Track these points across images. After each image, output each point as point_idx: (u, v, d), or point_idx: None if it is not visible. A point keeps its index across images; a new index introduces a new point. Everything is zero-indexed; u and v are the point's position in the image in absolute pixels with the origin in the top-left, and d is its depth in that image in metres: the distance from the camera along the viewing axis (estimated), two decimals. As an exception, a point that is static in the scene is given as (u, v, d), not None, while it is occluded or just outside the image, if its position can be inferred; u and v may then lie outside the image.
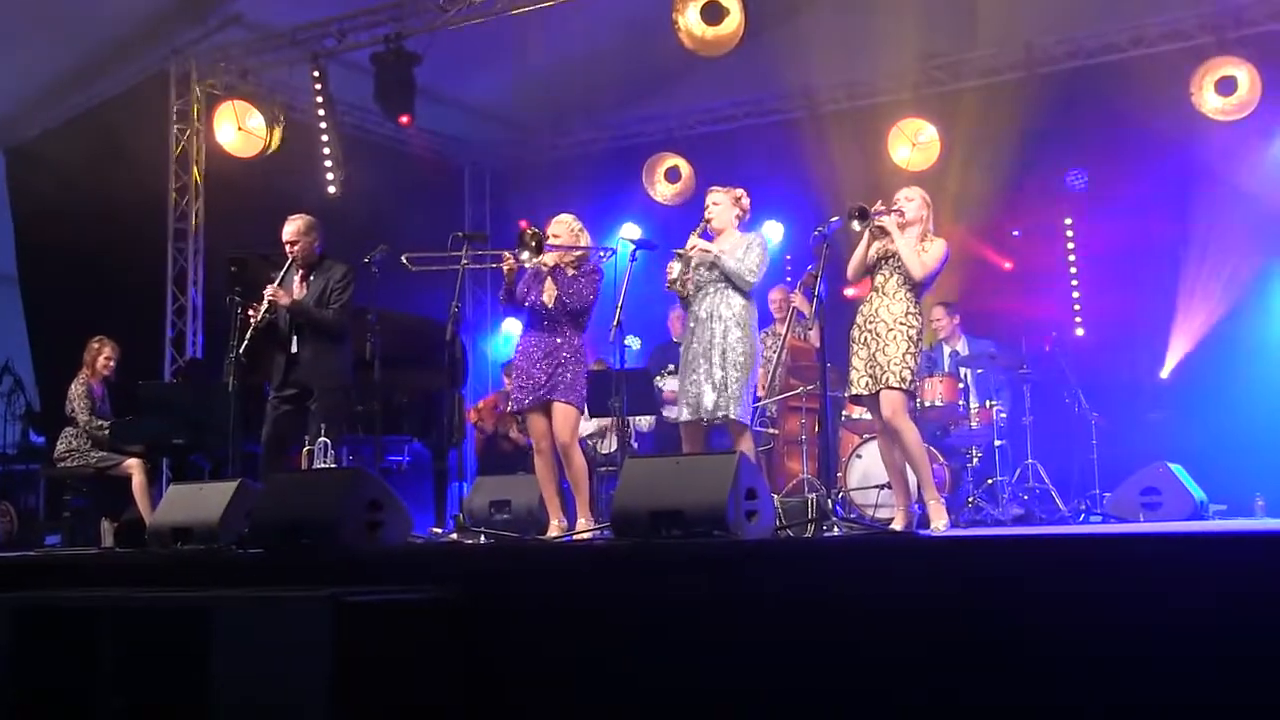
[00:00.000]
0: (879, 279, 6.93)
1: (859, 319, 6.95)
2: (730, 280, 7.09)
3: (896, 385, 6.73)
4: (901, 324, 6.81)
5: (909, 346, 6.78)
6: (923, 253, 6.86)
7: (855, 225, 6.86)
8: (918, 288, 6.90)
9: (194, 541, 6.39)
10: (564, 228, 7.45)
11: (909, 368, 6.77)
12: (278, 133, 11.24)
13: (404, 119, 11.10)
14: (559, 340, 7.28)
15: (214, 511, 6.40)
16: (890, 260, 6.90)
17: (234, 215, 11.07)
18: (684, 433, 7.21)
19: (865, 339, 6.88)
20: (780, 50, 10.92)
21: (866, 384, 6.84)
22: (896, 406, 6.78)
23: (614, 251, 7.46)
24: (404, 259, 7.58)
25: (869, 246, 6.96)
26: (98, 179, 10.70)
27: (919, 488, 6.95)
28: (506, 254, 7.38)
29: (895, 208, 6.95)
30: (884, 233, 6.90)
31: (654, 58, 10.55)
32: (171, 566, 6.07)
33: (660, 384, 10.29)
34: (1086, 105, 10.83)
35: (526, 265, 7.23)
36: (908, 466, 7.00)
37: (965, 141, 11.05)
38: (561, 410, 7.23)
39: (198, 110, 11.55)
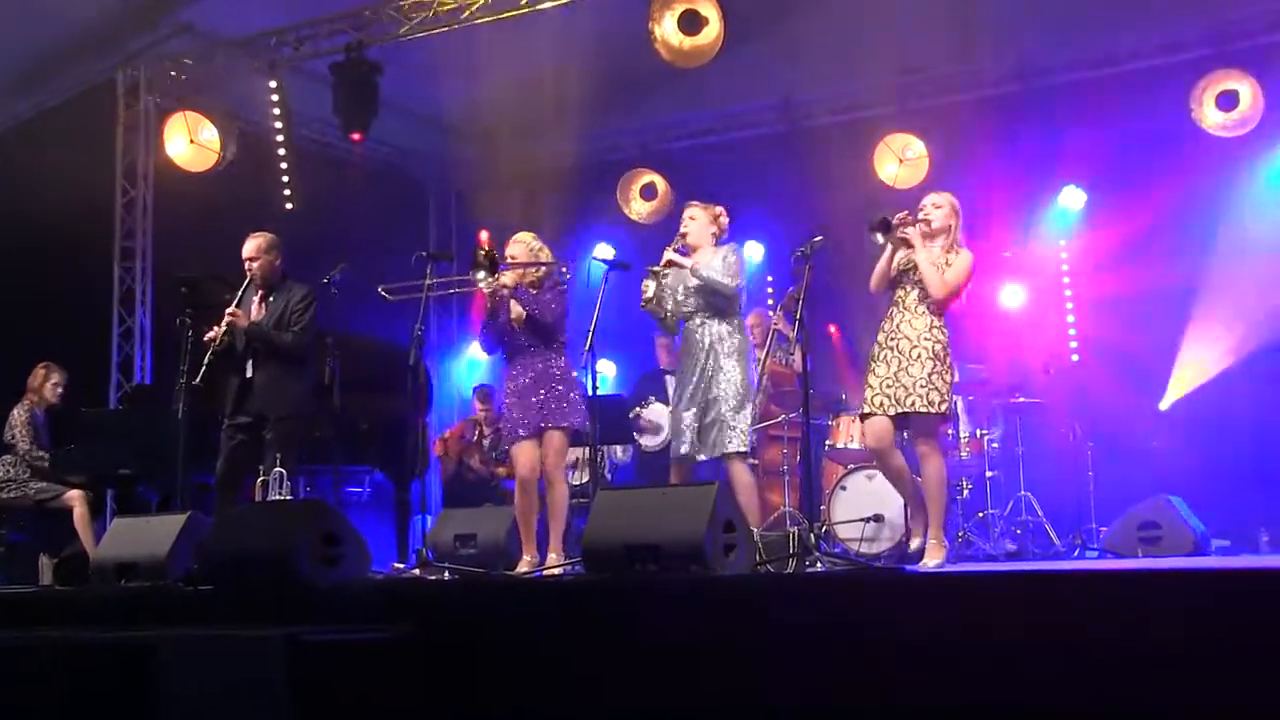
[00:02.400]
0: (899, 293, 6.87)
1: (880, 335, 6.89)
2: (715, 302, 7.17)
3: (925, 410, 6.66)
4: (926, 340, 6.73)
5: (935, 365, 6.70)
6: (945, 268, 6.78)
7: (879, 238, 6.79)
8: (942, 303, 6.83)
9: (140, 578, 6.36)
10: (521, 248, 7.51)
11: (938, 389, 6.68)
12: (233, 146, 11.23)
13: (356, 135, 11.09)
14: (544, 364, 7.34)
15: (161, 546, 6.38)
16: (912, 273, 6.84)
17: (185, 233, 11.03)
18: (674, 470, 7.32)
19: (885, 356, 6.80)
20: (761, 62, 10.95)
21: (881, 403, 6.75)
22: (925, 431, 6.74)
23: (574, 268, 7.50)
24: (381, 290, 7.60)
25: (892, 257, 6.86)
26: (39, 194, 10.61)
27: (912, 521, 6.95)
28: (479, 277, 7.34)
29: (922, 216, 6.87)
30: (908, 244, 6.84)
31: (629, 69, 10.57)
32: (115, 604, 6.03)
33: (642, 413, 10.31)
34: (1082, 120, 10.88)
35: (484, 287, 7.23)
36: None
37: (955, 158, 11.09)
38: (553, 438, 7.31)
39: (147, 122, 11.51)
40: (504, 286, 7.29)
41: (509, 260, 7.44)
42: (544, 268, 7.46)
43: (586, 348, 7.10)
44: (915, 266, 6.81)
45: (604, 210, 12.74)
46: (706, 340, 7.21)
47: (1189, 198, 10.46)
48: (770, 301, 11.79)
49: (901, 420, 6.80)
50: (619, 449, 10.75)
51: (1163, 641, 3.77)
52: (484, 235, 12.74)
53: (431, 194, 14.08)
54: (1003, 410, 9.75)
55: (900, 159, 11.40)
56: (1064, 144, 11.00)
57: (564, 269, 7.54)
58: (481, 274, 7.17)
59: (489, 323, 7.47)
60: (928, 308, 6.80)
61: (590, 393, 7.47)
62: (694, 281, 7.24)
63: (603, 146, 12.95)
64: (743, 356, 7.26)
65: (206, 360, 7.79)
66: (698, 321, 7.28)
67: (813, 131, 12.02)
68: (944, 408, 6.76)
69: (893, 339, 6.81)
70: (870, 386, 6.84)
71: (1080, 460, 9.38)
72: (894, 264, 6.88)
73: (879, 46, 10.55)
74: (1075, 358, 11.22)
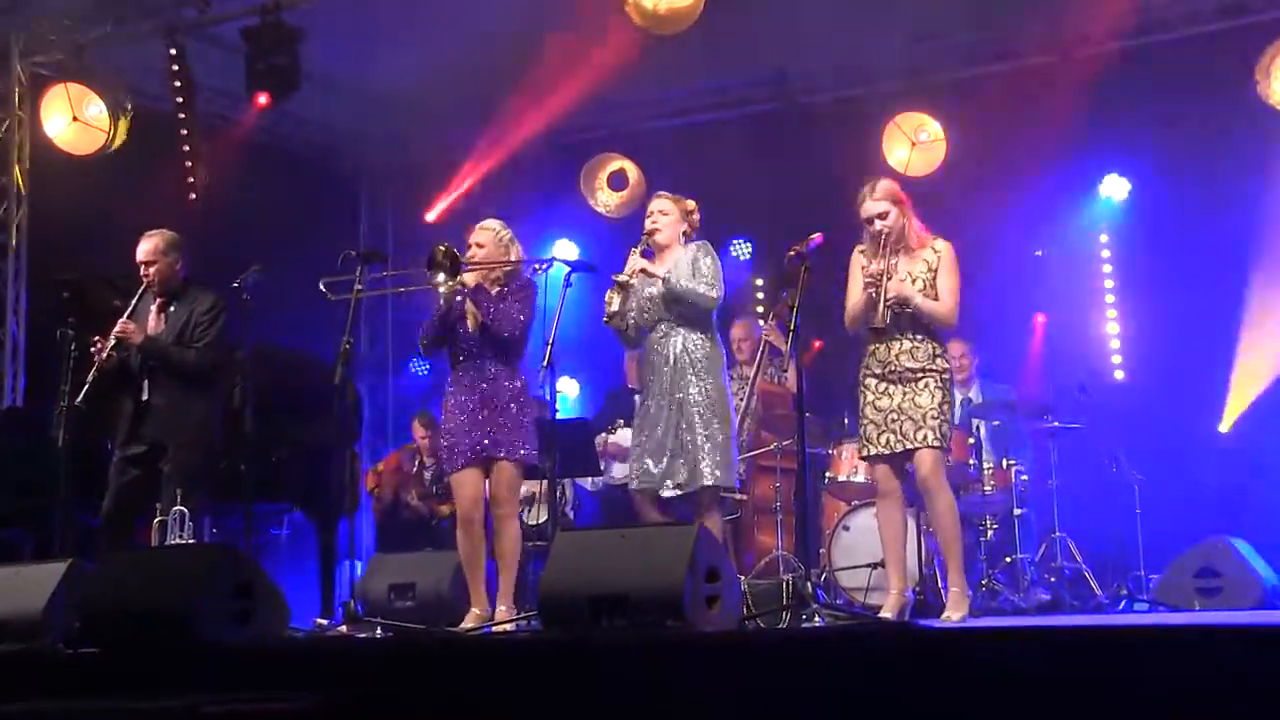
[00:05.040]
0: (893, 318, 6.99)
1: (873, 364, 7.05)
2: (685, 312, 7.17)
3: (936, 444, 6.85)
4: (932, 368, 6.94)
5: (943, 395, 6.93)
6: (933, 287, 6.91)
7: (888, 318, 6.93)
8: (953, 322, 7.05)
9: (10, 640, 6.30)
10: (489, 235, 7.49)
11: (946, 419, 6.92)
12: (123, 125, 11.16)
13: (261, 98, 11.01)
14: (494, 380, 7.31)
15: (36, 600, 6.33)
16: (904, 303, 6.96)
17: (67, 228, 10.95)
18: (642, 503, 7.33)
19: (887, 388, 6.97)
20: (750, 27, 10.96)
21: (889, 440, 6.92)
22: (935, 466, 6.89)
23: (549, 263, 7.48)
24: (323, 285, 7.57)
25: (882, 301, 6.94)
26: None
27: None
28: (438, 280, 7.27)
29: (879, 228, 6.94)
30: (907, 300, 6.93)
31: (595, 36, 10.56)
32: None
33: (609, 439, 10.30)
34: (1127, 96, 10.89)
35: (440, 290, 7.21)
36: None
37: (977, 140, 11.11)
38: (503, 469, 7.27)
39: (20, 95, 11.43)
40: (464, 286, 7.28)
41: (473, 249, 7.42)
42: (512, 266, 7.43)
43: (545, 363, 7.08)
44: (906, 299, 6.94)
45: (565, 202, 12.73)
46: (673, 354, 7.22)
47: (1252, 186, 10.48)
48: (760, 309, 11.81)
49: (905, 456, 6.95)
50: (588, 479, 10.74)
51: (1225, 711, 3.76)
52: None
53: (363, 183, 14.05)
54: (1033, 437, 9.77)
55: (913, 142, 11.42)
56: (1105, 124, 11.01)
57: (538, 267, 7.52)
58: (441, 276, 7.16)
59: (436, 323, 7.43)
60: (928, 331, 6.99)
61: (550, 416, 7.46)
62: (659, 290, 7.24)
63: (564, 127, 12.92)
64: (718, 374, 7.29)
65: (92, 378, 7.75)
66: (662, 332, 7.29)
67: (811, 110, 12.03)
68: (948, 441, 7.00)
69: (892, 369, 7.00)
70: (872, 423, 7.00)
71: (1125, 495, 9.40)
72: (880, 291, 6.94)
73: (888, 9, 10.56)
74: (1119, 374, 11.25)
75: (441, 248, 7.22)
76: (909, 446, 6.88)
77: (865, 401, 7.04)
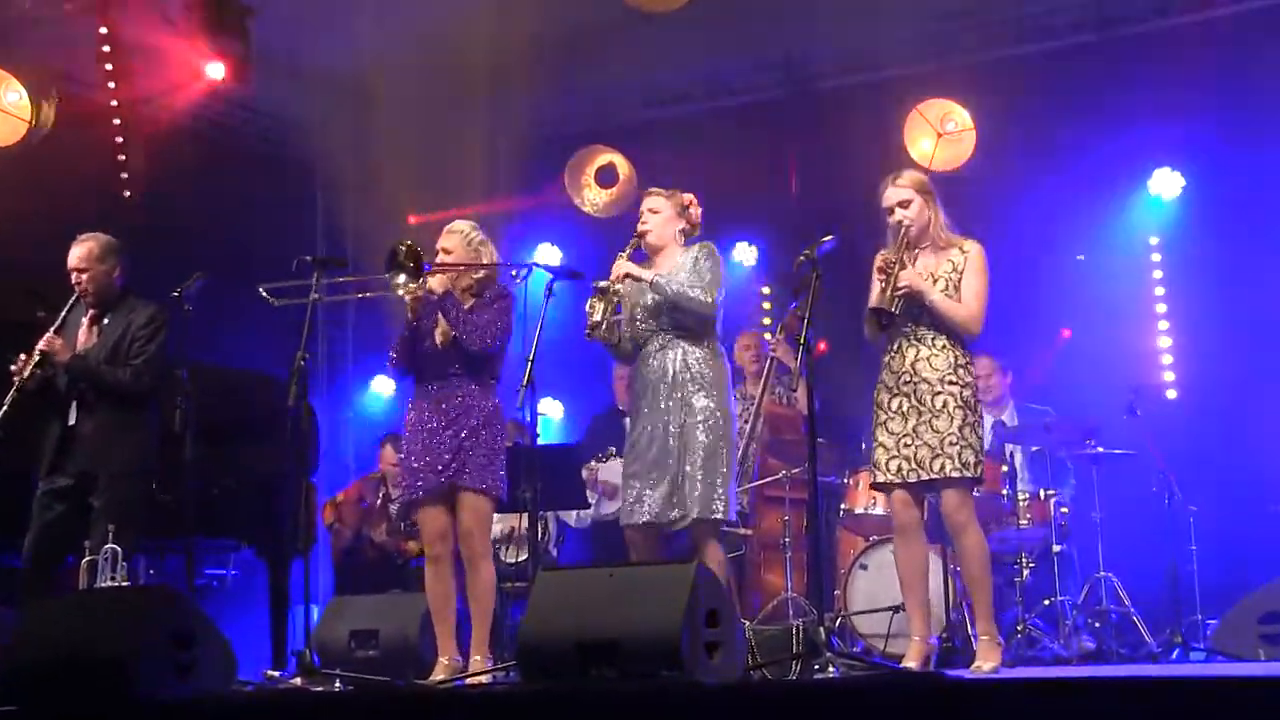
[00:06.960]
0: (909, 325, 6.93)
1: (886, 377, 6.98)
2: (683, 321, 7.12)
3: (959, 474, 6.74)
4: (952, 382, 6.83)
5: (966, 415, 6.80)
6: (957, 290, 6.86)
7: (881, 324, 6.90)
8: (977, 331, 6.96)
9: (-79, 695, 6.29)
10: (457, 239, 7.48)
11: (971, 445, 6.78)
12: (49, 112, 11.15)
13: (221, 65, 10.94)
14: (462, 401, 7.31)
15: (-50, 652, 6.31)
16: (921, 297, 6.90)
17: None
18: (634, 539, 7.24)
19: (900, 405, 6.89)
20: (756, 5, 10.97)
21: (900, 468, 6.85)
22: (959, 501, 6.83)
23: (529, 269, 7.46)
24: (263, 290, 7.51)
25: (892, 288, 6.85)
26: None
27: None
28: (398, 281, 7.25)
29: (897, 220, 6.93)
30: (919, 294, 6.86)
31: (581, 14, 10.58)
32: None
33: (599, 469, 10.26)
34: (1178, 81, 10.87)
35: (404, 295, 7.19)
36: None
37: (1009, 131, 11.11)
38: (472, 502, 7.24)
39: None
40: (431, 292, 7.26)
41: (440, 256, 7.41)
42: (484, 271, 7.42)
43: (525, 382, 7.05)
44: (921, 292, 6.87)
45: (548, 200, 12.72)
46: (671, 370, 7.14)
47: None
48: (767, 321, 11.81)
49: (923, 486, 6.87)
50: (573, 513, 10.69)
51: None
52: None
53: (320, 180, 14.03)
54: (1075, 464, 9.76)
55: (938, 132, 11.43)
56: (1154, 112, 10.99)
57: (516, 274, 7.52)
58: (403, 277, 7.14)
59: (406, 337, 7.42)
60: (948, 338, 6.90)
61: (530, 441, 7.43)
62: (654, 297, 7.20)
63: (546, 117, 12.94)
64: (723, 391, 7.19)
65: (11, 400, 7.71)
66: (657, 345, 7.21)
67: (823, 97, 12.04)
68: (979, 469, 6.86)
69: (907, 383, 6.90)
70: (883, 446, 6.92)
71: (1179, 529, 9.38)
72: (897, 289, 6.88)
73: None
74: (1171, 393, 11.24)
75: (404, 245, 7.18)
76: (923, 477, 6.79)
77: (877, 422, 6.96)
